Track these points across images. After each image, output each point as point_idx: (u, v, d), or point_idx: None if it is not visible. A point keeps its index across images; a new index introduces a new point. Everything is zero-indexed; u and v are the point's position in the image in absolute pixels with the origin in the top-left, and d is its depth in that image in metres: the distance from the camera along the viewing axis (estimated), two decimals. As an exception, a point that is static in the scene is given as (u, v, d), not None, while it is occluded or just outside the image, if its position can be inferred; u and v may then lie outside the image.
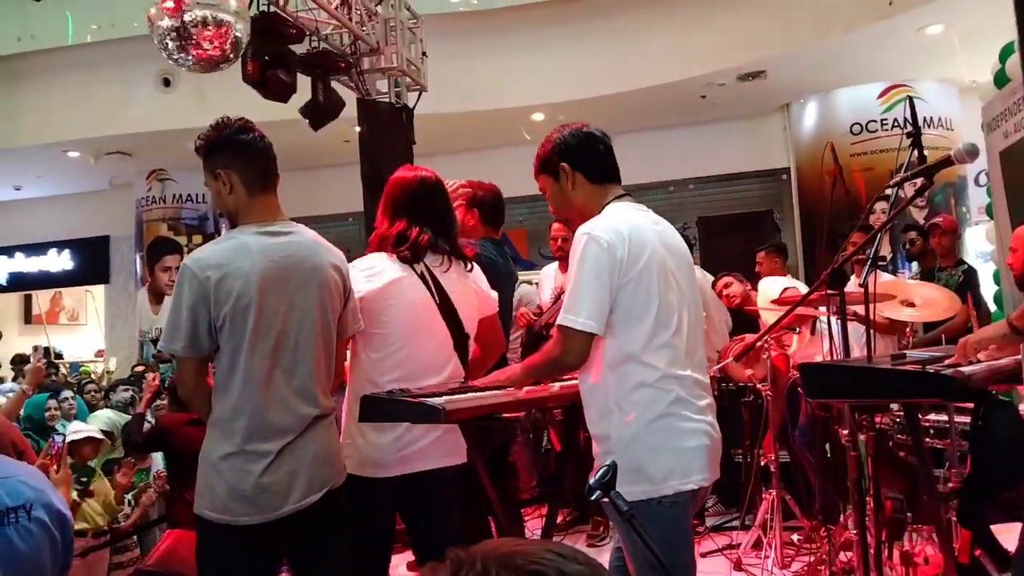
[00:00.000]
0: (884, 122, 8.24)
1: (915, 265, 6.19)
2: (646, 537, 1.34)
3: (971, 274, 5.37)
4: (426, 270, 2.61)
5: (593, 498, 1.41)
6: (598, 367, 2.16)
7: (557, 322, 2.14)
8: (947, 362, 2.28)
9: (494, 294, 2.87)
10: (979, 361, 2.29)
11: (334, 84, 5.43)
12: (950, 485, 3.17)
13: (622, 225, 2.13)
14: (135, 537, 4.27)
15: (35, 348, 7.78)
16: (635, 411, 2.09)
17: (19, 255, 11.94)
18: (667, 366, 2.10)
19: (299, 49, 5.21)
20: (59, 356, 11.21)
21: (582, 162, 2.27)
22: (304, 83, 5.19)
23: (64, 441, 3.84)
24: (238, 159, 2.29)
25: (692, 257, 5.17)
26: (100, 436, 4.21)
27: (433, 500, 2.64)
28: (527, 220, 9.83)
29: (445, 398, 2.19)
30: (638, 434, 2.08)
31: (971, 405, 2.92)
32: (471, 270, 2.76)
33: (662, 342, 2.11)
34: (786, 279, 5.38)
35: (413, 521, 2.70)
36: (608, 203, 2.25)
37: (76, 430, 4.22)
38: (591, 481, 1.41)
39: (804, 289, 4.58)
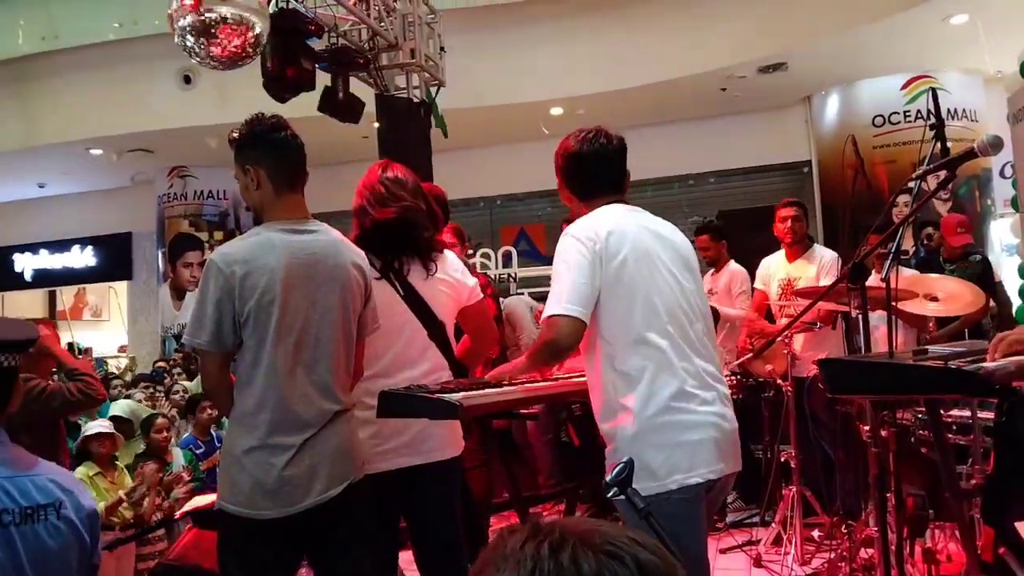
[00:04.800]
0: (907, 114, 8.14)
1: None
2: (663, 535, 1.34)
3: (987, 264, 5.32)
4: (387, 265, 2.62)
5: (610, 495, 1.41)
6: (597, 364, 2.18)
7: (544, 315, 2.17)
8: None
9: (473, 281, 2.85)
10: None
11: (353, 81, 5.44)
12: (973, 482, 3.13)
13: (599, 223, 2.20)
14: (162, 530, 4.31)
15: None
16: (634, 408, 2.10)
17: (43, 252, 12.09)
18: (663, 359, 2.11)
19: (318, 45, 5.23)
20: (83, 352, 11.34)
21: (574, 182, 2.37)
22: (323, 79, 5.21)
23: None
24: (267, 157, 2.31)
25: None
26: (111, 430, 4.24)
27: (426, 496, 2.64)
28: (545, 215, 9.83)
29: (463, 394, 2.20)
30: (640, 432, 2.09)
31: (995, 401, 2.88)
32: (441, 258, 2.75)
33: (655, 334, 2.12)
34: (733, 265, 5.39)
35: (410, 518, 2.71)
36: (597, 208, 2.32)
37: (90, 428, 4.26)
38: (608, 478, 1.41)
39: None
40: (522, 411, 2.43)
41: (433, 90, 6.07)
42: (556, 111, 8.70)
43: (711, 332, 2.31)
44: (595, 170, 2.35)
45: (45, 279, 12.30)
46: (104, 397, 3.69)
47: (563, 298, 2.12)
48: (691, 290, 2.25)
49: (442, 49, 6.23)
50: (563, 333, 2.12)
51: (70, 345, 10.80)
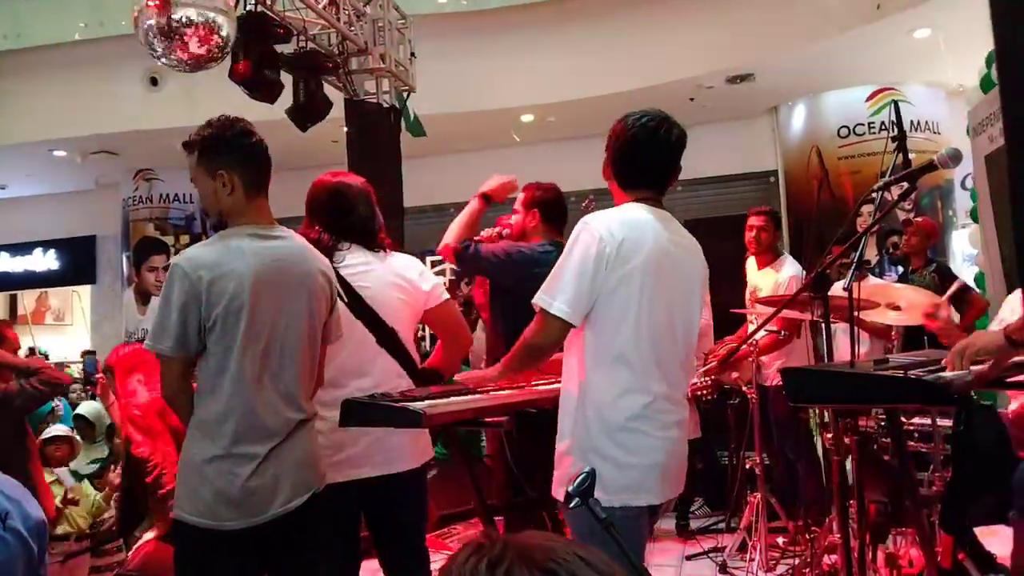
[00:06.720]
0: (872, 125, 8.26)
1: (901, 269, 6.22)
2: (624, 546, 1.34)
3: (943, 270, 5.40)
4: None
5: (572, 506, 1.41)
6: (573, 356, 2.18)
7: (534, 300, 2.15)
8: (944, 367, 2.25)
9: (429, 283, 2.80)
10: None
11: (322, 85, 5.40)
12: (934, 488, 3.18)
13: (620, 225, 2.13)
14: (120, 540, 4.24)
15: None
16: (595, 417, 2.10)
17: (4, 254, 11.84)
18: (634, 380, 2.10)
19: (286, 49, 5.19)
20: (43, 356, 11.12)
21: (619, 167, 2.29)
22: (292, 83, 5.17)
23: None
24: (241, 161, 2.27)
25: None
26: (70, 434, 4.17)
27: (392, 506, 2.62)
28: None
29: (427, 402, 2.18)
30: (596, 444, 2.09)
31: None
32: (388, 257, 2.74)
33: (635, 355, 2.10)
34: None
35: (375, 527, 2.69)
36: (629, 202, 2.26)
37: (51, 432, 4.19)
38: (569, 488, 1.40)
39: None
40: (488, 419, 2.40)
41: (404, 95, 6.05)
42: (527, 118, 8.71)
43: (690, 363, 2.30)
44: (644, 162, 2.26)
45: (6, 283, 12.04)
46: (69, 380, 3.65)
47: (560, 296, 2.09)
48: (685, 318, 2.23)
49: (412, 55, 6.22)
50: (549, 338, 2.14)
51: (31, 350, 10.58)
